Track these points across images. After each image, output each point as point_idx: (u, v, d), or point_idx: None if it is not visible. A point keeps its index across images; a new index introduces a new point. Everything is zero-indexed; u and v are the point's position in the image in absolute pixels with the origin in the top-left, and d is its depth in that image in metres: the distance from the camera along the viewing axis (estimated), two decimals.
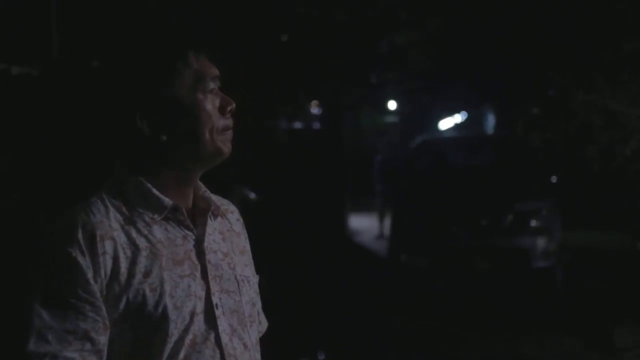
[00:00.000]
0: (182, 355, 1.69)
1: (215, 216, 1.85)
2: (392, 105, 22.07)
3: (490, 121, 19.43)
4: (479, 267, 9.71)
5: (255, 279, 1.92)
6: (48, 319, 1.62)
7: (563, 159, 13.37)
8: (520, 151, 12.02)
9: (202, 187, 1.87)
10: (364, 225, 18.07)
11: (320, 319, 8.83)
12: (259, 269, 1.98)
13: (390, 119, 25.81)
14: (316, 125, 15.62)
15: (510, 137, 14.81)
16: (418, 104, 20.11)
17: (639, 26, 11.29)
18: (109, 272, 1.65)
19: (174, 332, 1.68)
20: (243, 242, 1.94)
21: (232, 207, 1.97)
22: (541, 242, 9.69)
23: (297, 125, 14.79)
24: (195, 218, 1.81)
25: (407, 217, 10.56)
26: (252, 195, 7.86)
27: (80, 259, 1.63)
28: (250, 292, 1.88)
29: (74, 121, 6.20)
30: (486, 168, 11.45)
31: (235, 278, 1.83)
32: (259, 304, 1.99)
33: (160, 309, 1.67)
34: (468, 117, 21.94)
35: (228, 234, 1.89)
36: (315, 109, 16.11)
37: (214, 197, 1.90)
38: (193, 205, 1.83)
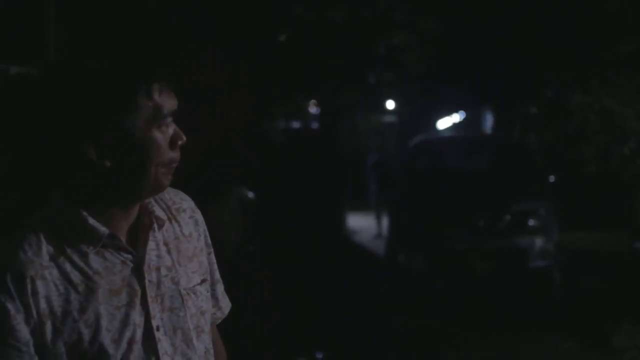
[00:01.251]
0: None
1: (160, 226, 1.82)
2: (390, 105, 22.07)
3: (489, 121, 19.43)
4: (477, 267, 9.72)
5: (204, 286, 1.89)
6: None
7: (561, 160, 13.38)
8: (518, 151, 12.04)
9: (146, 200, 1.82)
10: (362, 224, 18.09)
11: (320, 319, 8.83)
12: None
13: (388, 119, 25.79)
14: (314, 125, 15.59)
15: (508, 138, 14.85)
16: (416, 105, 20.10)
17: (637, 26, 11.30)
18: (41, 313, 1.63)
19: None
20: (194, 244, 1.90)
21: (185, 204, 1.93)
22: (539, 242, 9.71)
23: (295, 124, 14.76)
24: (139, 234, 1.79)
25: (405, 216, 10.57)
26: (251, 195, 7.86)
27: (8, 304, 1.61)
28: (197, 302, 1.85)
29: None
30: (484, 168, 11.47)
31: (180, 293, 1.80)
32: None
33: (96, 346, 1.66)
34: (466, 117, 21.93)
35: (175, 243, 1.85)
36: (313, 109, 16.09)
37: (167, 195, 1.87)
38: (138, 218, 1.79)
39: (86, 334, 1.65)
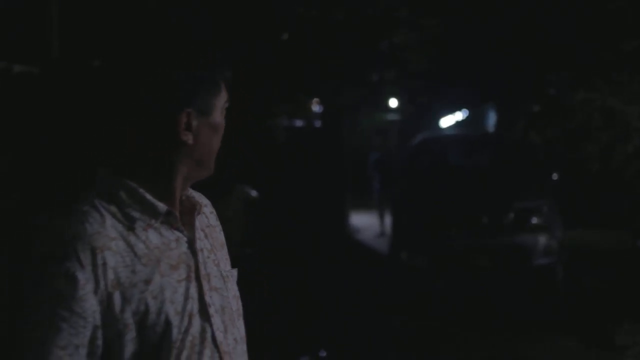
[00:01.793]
0: (184, 357, 1.72)
1: (199, 212, 1.88)
2: (392, 103, 22.08)
3: (491, 119, 19.44)
4: (479, 266, 9.71)
5: (234, 272, 1.97)
6: (42, 334, 1.62)
7: (563, 158, 13.40)
8: (520, 150, 12.04)
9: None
10: (366, 223, 18.10)
11: (321, 319, 8.82)
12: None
13: (390, 117, 25.80)
14: (317, 123, 15.57)
15: (510, 136, 14.84)
16: (418, 103, 20.13)
17: (638, 25, 11.32)
18: (110, 283, 1.65)
19: (178, 337, 1.71)
20: (219, 235, 1.98)
21: (205, 200, 2.00)
22: (542, 240, 9.69)
23: (298, 123, 14.74)
24: (181, 218, 1.84)
25: (407, 215, 10.55)
26: (254, 194, 7.87)
27: (78, 273, 1.63)
28: (234, 285, 1.92)
29: (78, 120, 6.22)
30: (486, 166, 11.46)
31: (221, 274, 1.87)
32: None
33: (162, 316, 1.69)
34: (469, 115, 21.95)
35: (208, 230, 1.92)
36: (316, 107, 16.05)
37: (193, 194, 1.93)
38: (180, 205, 1.86)
39: (152, 305, 1.69)
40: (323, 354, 7.32)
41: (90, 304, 1.64)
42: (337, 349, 7.66)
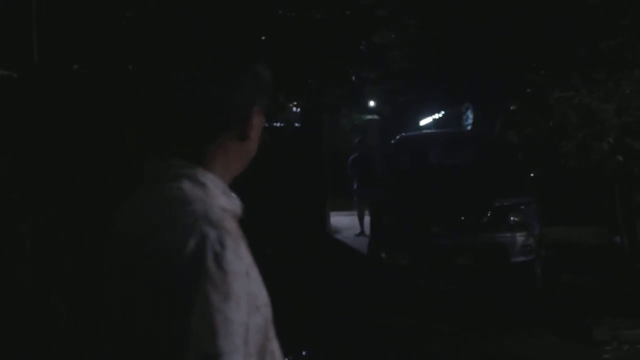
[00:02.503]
0: (274, 339, 1.76)
1: None
2: (371, 102, 22.07)
3: (469, 117, 19.52)
4: (460, 264, 9.76)
5: None
6: (231, 311, 1.58)
7: (542, 156, 13.50)
8: (499, 148, 12.12)
9: None
10: (345, 223, 18.07)
11: (310, 318, 8.79)
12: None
13: (370, 117, 25.75)
14: (296, 124, 15.54)
15: (489, 134, 14.92)
16: (398, 103, 20.12)
17: (614, 23, 11.41)
18: (246, 262, 1.67)
19: (270, 317, 1.74)
20: None
21: None
22: (520, 237, 9.78)
23: (277, 124, 14.71)
24: None
25: (387, 215, 10.55)
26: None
27: (241, 250, 1.65)
28: None
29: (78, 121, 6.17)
30: (465, 165, 11.52)
31: None
32: None
33: (265, 299, 1.71)
34: (446, 113, 21.99)
35: None
36: (294, 108, 16.03)
37: None
38: None
39: (260, 287, 1.70)
40: (305, 351, 7.31)
41: (245, 282, 1.63)
42: (337, 349, 7.66)
